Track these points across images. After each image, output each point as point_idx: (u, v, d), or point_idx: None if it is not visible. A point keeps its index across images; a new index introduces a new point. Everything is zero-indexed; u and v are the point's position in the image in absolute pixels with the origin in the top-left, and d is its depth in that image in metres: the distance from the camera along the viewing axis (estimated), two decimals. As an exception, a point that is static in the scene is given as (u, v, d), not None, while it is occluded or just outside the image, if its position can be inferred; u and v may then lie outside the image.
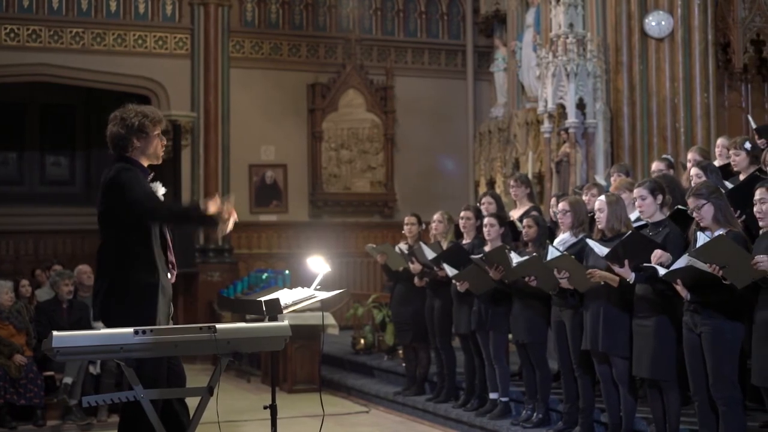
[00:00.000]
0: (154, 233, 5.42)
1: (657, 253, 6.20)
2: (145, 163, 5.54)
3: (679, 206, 6.93)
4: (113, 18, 15.60)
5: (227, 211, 5.33)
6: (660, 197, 6.62)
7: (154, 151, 5.54)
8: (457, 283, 8.51)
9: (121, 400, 4.91)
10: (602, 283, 6.69)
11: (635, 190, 6.70)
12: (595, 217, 6.92)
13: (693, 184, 6.70)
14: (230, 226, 5.37)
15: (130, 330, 4.65)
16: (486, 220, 8.44)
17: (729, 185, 7.13)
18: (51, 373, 9.67)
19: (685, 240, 6.34)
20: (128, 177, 5.37)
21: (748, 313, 5.92)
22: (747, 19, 12.82)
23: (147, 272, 5.35)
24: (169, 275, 5.51)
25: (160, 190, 5.55)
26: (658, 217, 6.62)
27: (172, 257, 5.55)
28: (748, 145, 7.38)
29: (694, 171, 7.30)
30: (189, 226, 5.45)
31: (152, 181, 5.54)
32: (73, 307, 10.01)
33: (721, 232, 5.76)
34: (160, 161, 5.62)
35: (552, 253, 7.05)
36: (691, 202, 6.01)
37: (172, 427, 5.21)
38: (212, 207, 5.28)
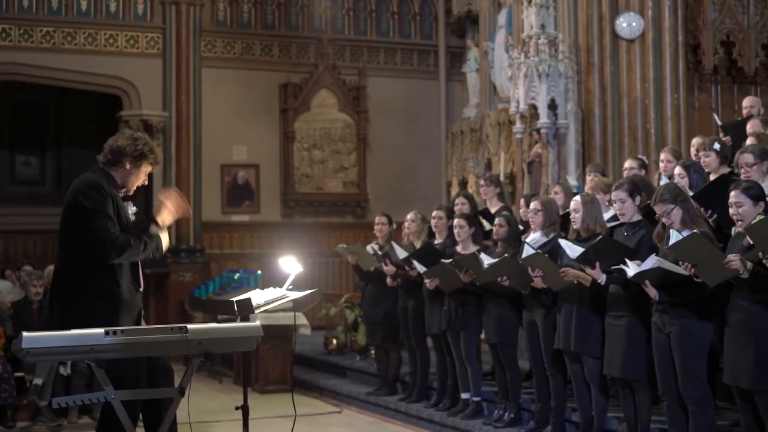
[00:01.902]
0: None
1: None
2: (119, 183, 5.59)
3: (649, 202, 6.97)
4: (84, 17, 15.51)
5: (179, 208, 5.58)
6: (638, 198, 6.67)
7: (133, 182, 5.64)
8: (427, 280, 8.52)
9: (92, 401, 4.88)
10: (575, 282, 6.72)
11: (614, 193, 6.73)
12: (570, 217, 6.95)
13: (661, 186, 6.73)
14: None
15: (101, 330, 4.63)
16: (456, 222, 8.46)
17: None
18: (21, 374, 9.60)
19: (650, 243, 6.37)
20: (97, 200, 5.40)
21: (718, 312, 5.97)
22: (717, 20, 12.91)
23: (108, 286, 5.36)
24: (140, 288, 5.52)
25: (131, 209, 5.62)
26: (636, 218, 6.66)
27: (140, 272, 5.56)
28: (717, 146, 7.44)
29: (677, 170, 7.32)
30: (145, 256, 5.52)
31: (124, 200, 5.60)
32: (43, 307, 9.94)
33: (693, 231, 5.80)
34: (129, 193, 5.69)
35: (527, 251, 7.06)
36: (659, 208, 6.04)
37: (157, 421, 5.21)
38: (167, 217, 5.57)
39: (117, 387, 4.81)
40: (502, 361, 8.04)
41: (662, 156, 8.35)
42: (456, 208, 9.16)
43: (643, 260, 6.14)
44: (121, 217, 5.50)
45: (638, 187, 6.75)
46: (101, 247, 5.33)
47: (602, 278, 6.44)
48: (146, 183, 5.78)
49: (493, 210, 9.06)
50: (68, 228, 5.47)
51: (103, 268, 5.37)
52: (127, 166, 5.57)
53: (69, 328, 4.77)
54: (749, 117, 8.87)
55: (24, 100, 17.70)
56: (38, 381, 9.32)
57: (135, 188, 5.70)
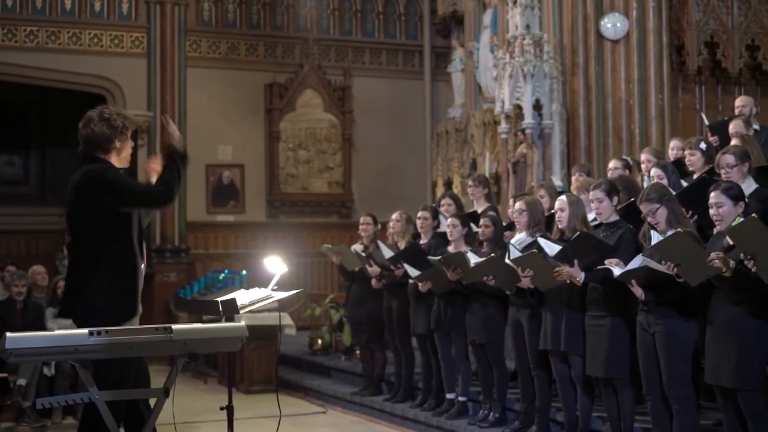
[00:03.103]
0: (134, 229, 5.45)
1: (612, 261, 6.24)
2: (117, 166, 5.55)
3: (633, 198, 6.99)
4: (68, 16, 15.46)
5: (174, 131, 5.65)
6: (615, 198, 6.68)
7: (126, 154, 5.63)
8: (419, 284, 8.52)
9: (76, 401, 4.87)
10: (568, 281, 6.71)
11: (591, 193, 6.74)
12: (556, 217, 6.96)
13: (648, 185, 6.75)
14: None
15: (85, 331, 4.61)
16: (449, 221, 8.46)
17: (686, 184, 7.20)
18: (5, 374, 9.56)
19: (636, 242, 6.39)
20: (118, 175, 5.44)
21: (702, 312, 5.99)
22: (701, 21, 12.96)
23: (129, 259, 5.39)
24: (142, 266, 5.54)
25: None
26: (614, 218, 6.68)
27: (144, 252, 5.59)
28: (703, 146, 7.47)
29: (654, 171, 7.34)
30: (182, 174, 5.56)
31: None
32: (27, 308, 9.90)
33: (677, 230, 5.82)
34: (127, 165, 5.68)
35: (513, 252, 7.06)
36: (644, 207, 6.06)
37: (138, 428, 5.19)
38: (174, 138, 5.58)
39: (102, 387, 4.79)
40: (490, 361, 8.04)
41: (643, 156, 8.37)
42: (442, 209, 9.17)
43: (622, 259, 6.17)
44: None
45: (616, 188, 6.77)
46: (156, 199, 5.42)
47: (581, 276, 6.44)
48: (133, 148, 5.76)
49: (480, 210, 9.06)
50: (95, 209, 5.39)
51: (124, 246, 5.37)
52: (117, 144, 5.54)
53: (90, 308, 4.93)
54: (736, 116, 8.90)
55: (7, 99, 17.60)
56: (22, 381, 9.28)
57: (128, 158, 5.67)
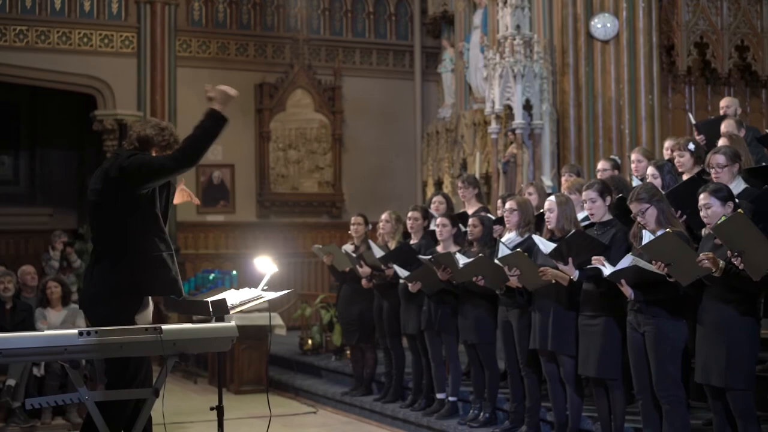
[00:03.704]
0: (158, 210, 5.52)
1: (599, 259, 6.26)
2: None
3: (621, 195, 7.00)
4: (58, 16, 15.43)
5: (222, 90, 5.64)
6: (609, 198, 6.70)
7: None
8: (409, 284, 8.52)
9: (65, 402, 4.86)
10: (553, 281, 6.74)
11: (584, 193, 6.76)
12: (545, 217, 6.97)
13: (639, 185, 6.77)
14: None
15: (74, 331, 4.61)
16: (438, 221, 8.46)
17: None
18: (-6, 375, 9.54)
19: (627, 242, 6.40)
20: (146, 155, 5.51)
21: (692, 312, 6.01)
22: (691, 22, 13.00)
23: (154, 246, 5.45)
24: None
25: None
26: (607, 217, 6.69)
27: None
28: (691, 146, 7.48)
29: (650, 171, 7.35)
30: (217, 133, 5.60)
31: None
32: (16, 308, 9.86)
33: (666, 231, 5.83)
34: None
35: (503, 251, 7.08)
36: (634, 207, 6.08)
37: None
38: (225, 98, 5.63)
39: (112, 386, 4.79)
40: (481, 361, 8.05)
41: (633, 156, 8.39)
42: (433, 207, 9.18)
43: (613, 258, 6.18)
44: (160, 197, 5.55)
45: (609, 188, 6.78)
46: (186, 158, 5.44)
47: (575, 274, 6.47)
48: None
49: (471, 211, 9.06)
50: (116, 200, 5.40)
51: (148, 232, 5.41)
52: (154, 153, 5.59)
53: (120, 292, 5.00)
54: (724, 116, 8.92)
55: (-3, 99, 17.58)
56: (11, 382, 9.25)
57: None
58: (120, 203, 5.39)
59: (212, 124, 5.48)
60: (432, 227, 8.78)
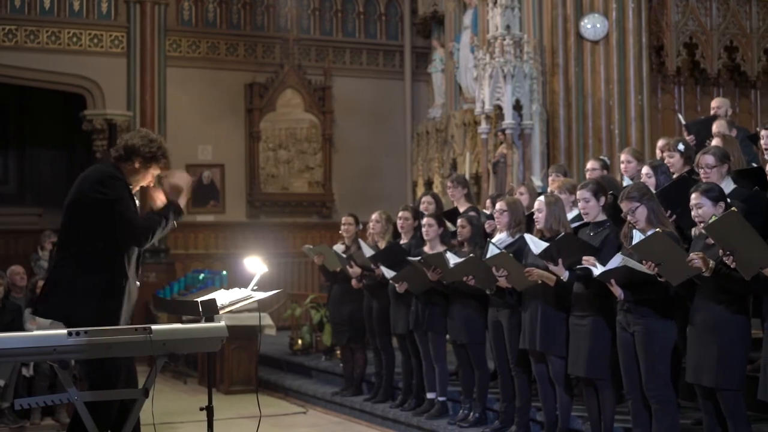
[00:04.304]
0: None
1: (588, 260, 6.28)
2: (128, 180, 5.63)
3: (613, 192, 7.01)
4: (47, 15, 15.39)
5: (184, 183, 5.64)
6: (602, 199, 6.70)
7: (138, 181, 5.68)
8: (396, 285, 8.53)
9: (55, 402, 4.85)
10: (540, 281, 6.75)
11: (578, 192, 6.77)
12: (534, 217, 6.98)
13: (630, 184, 6.78)
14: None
15: (64, 331, 4.60)
16: (425, 221, 8.46)
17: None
18: (-18, 376, 9.50)
19: (619, 242, 6.41)
20: (118, 188, 5.46)
21: (681, 311, 6.02)
22: (680, 22, 13.04)
23: (118, 277, 5.40)
24: (137, 282, 5.54)
25: (136, 203, 5.67)
26: (601, 217, 6.70)
27: (140, 266, 5.62)
28: (681, 147, 7.50)
29: (644, 170, 7.36)
30: (170, 227, 5.62)
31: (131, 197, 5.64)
32: (5, 308, 9.83)
33: (656, 231, 5.84)
34: (134, 190, 5.73)
35: (492, 250, 7.09)
36: (625, 205, 6.09)
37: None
38: (176, 191, 5.59)
39: (94, 387, 4.78)
40: (471, 361, 8.05)
41: (622, 156, 8.40)
42: (422, 207, 9.17)
43: (605, 259, 6.19)
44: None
45: (603, 188, 6.79)
46: (134, 233, 5.40)
47: (565, 275, 6.49)
48: (152, 185, 5.78)
49: (461, 210, 9.07)
50: (84, 219, 5.43)
51: (117, 259, 5.40)
52: (137, 165, 5.60)
53: (73, 321, 4.80)
54: (714, 117, 8.94)
55: (-15, 98, 17.53)
56: (0, 382, 9.23)
57: (138, 187, 5.71)
58: (85, 223, 5.43)
59: (171, 219, 5.60)
60: (423, 227, 8.78)
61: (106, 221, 5.38)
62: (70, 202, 5.54)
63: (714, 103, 9.72)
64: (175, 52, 16.17)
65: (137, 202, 5.73)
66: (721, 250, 5.27)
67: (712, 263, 5.40)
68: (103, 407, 5.01)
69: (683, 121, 9.39)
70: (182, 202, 5.70)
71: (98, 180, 5.47)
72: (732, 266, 5.25)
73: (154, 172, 5.70)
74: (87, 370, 4.90)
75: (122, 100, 15.68)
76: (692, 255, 5.46)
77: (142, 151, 5.58)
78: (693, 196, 5.71)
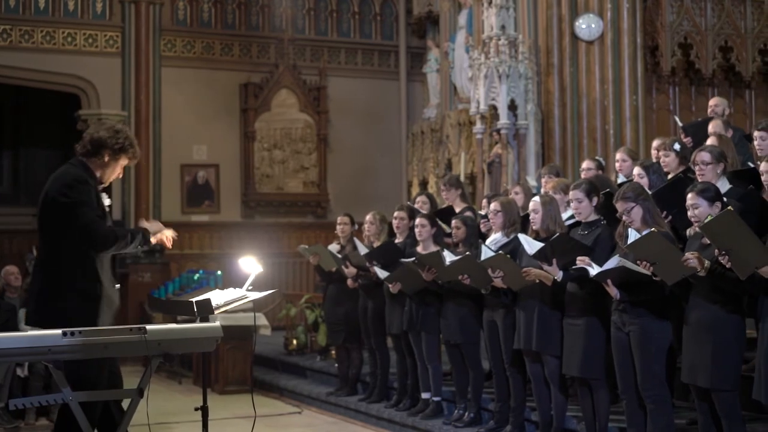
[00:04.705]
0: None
1: (584, 260, 6.28)
2: (97, 175, 5.58)
3: (609, 190, 7.01)
4: (42, 15, 15.37)
5: (166, 238, 5.66)
6: (595, 199, 6.71)
7: (110, 174, 5.65)
8: (390, 285, 8.53)
9: (49, 402, 4.85)
10: (537, 281, 6.75)
11: (571, 192, 6.77)
12: (530, 218, 6.98)
13: (625, 184, 6.78)
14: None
15: (59, 332, 4.59)
16: (417, 221, 8.46)
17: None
18: (-23, 376, 9.49)
19: (612, 242, 6.41)
20: (83, 191, 5.42)
21: (677, 311, 6.02)
22: (675, 23, 13.05)
23: (90, 281, 5.34)
24: (117, 285, 5.53)
25: (106, 201, 5.62)
26: (593, 217, 6.71)
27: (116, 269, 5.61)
28: (677, 147, 7.50)
29: (636, 171, 7.36)
30: (132, 248, 5.61)
31: (100, 191, 5.61)
32: (0, 308, 9.83)
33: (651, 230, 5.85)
34: (105, 184, 5.71)
35: (485, 252, 7.09)
36: (620, 205, 6.09)
37: (110, 430, 5.19)
38: (156, 236, 5.62)
39: (77, 389, 4.77)
40: (466, 361, 8.05)
41: (618, 156, 8.41)
42: (416, 206, 9.17)
43: (598, 259, 6.19)
44: (99, 208, 5.53)
45: (596, 188, 6.79)
46: (91, 239, 5.37)
47: (559, 275, 6.49)
48: (121, 176, 5.76)
49: (458, 209, 9.06)
50: (51, 223, 5.43)
51: (86, 263, 5.36)
52: (106, 158, 5.57)
53: (48, 327, 4.74)
54: (710, 118, 8.94)
55: (-20, 98, 17.51)
56: (-5, 383, 9.22)
57: (110, 181, 5.69)
58: (55, 227, 5.43)
59: (138, 240, 5.59)
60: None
61: (70, 225, 5.36)
62: (40, 204, 5.52)
63: (711, 102, 9.73)
64: (170, 52, 16.16)
65: (109, 200, 5.69)
66: (716, 250, 5.27)
67: (707, 263, 5.41)
68: (88, 407, 5.00)
69: (680, 124, 9.39)
70: (154, 238, 5.68)
71: (65, 183, 5.45)
72: (728, 266, 5.25)
73: (124, 163, 5.67)
74: (69, 370, 4.88)
75: (117, 99, 15.67)
76: (687, 254, 5.46)
77: (110, 144, 5.54)
78: (689, 196, 5.71)
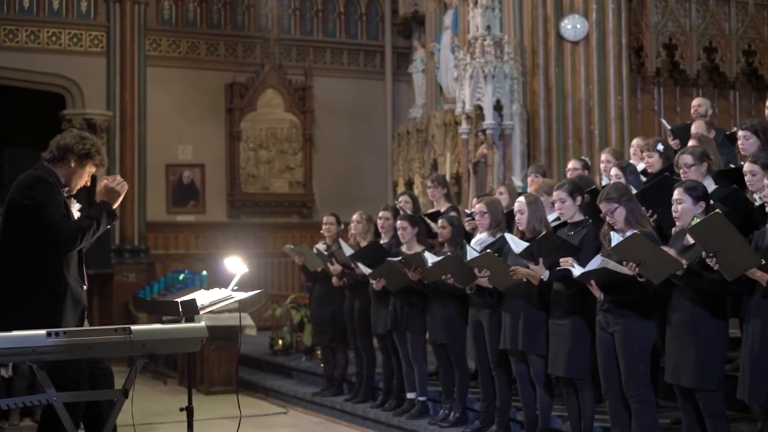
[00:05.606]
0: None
1: (567, 260, 6.29)
2: (63, 181, 5.54)
3: (594, 187, 7.02)
4: (26, 14, 15.32)
5: (118, 184, 5.55)
6: (579, 198, 6.72)
7: (76, 181, 5.59)
8: (373, 282, 8.53)
9: (34, 403, 4.83)
10: (524, 280, 6.75)
11: (554, 193, 6.78)
12: (516, 218, 6.99)
13: (609, 185, 6.80)
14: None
15: (43, 332, 4.57)
16: (398, 223, 8.46)
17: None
18: (-39, 377, 9.45)
19: (598, 242, 6.43)
20: (45, 192, 5.38)
21: (660, 311, 6.04)
22: (660, 23, 13.09)
23: (54, 282, 5.30)
24: (84, 286, 5.48)
25: (75, 207, 5.56)
26: (578, 217, 6.72)
27: (84, 269, 5.54)
28: (660, 147, 7.53)
29: (613, 171, 7.38)
30: (102, 230, 5.53)
31: (68, 197, 5.53)
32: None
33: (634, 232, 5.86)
34: (72, 193, 5.64)
35: (471, 253, 7.10)
36: (603, 206, 6.10)
37: (99, 429, 5.17)
38: (111, 195, 5.53)
39: (59, 389, 4.75)
40: (451, 361, 8.05)
41: (603, 156, 8.44)
42: (399, 206, 9.18)
43: (584, 259, 6.21)
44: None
45: (580, 188, 6.81)
46: (59, 238, 5.31)
47: (545, 274, 6.50)
48: (88, 184, 5.72)
49: (442, 211, 9.07)
50: (13, 224, 5.40)
51: (50, 264, 5.32)
52: (72, 165, 5.53)
53: (9, 329, 4.71)
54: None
55: (-37, 98, 17.41)
56: (-21, 384, 9.18)
57: (77, 188, 5.65)
58: (18, 230, 5.39)
59: (104, 220, 5.53)
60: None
61: (35, 226, 5.32)
62: (4, 210, 5.49)
63: (694, 102, 9.77)
64: (155, 52, 16.12)
65: (79, 205, 5.65)
66: (704, 252, 5.29)
67: (685, 262, 5.43)
68: (72, 407, 4.98)
69: (667, 126, 9.42)
70: (115, 205, 5.61)
71: (26, 185, 5.41)
72: (716, 268, 5.27)
73: (91, 170, 5.62)
74: (48, 370, 4.86)
75: (102, 99, 15.63)
76: (665, 249, 5.52)
77: (76, 149, 5.51)
78: (676, 191, 5.73)
